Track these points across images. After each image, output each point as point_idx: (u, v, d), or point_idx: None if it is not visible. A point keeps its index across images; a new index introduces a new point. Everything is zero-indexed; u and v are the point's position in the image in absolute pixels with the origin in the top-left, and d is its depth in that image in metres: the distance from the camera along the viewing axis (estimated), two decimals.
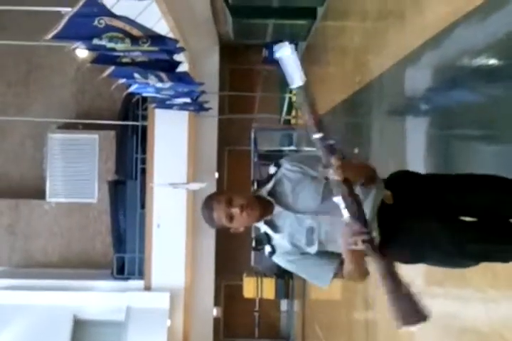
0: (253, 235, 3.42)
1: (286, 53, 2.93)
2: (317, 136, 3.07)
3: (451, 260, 3.44)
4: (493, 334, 5.08)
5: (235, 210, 3.28)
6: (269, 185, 3.41)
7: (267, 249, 3.39)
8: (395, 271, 3.10)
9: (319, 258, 3.40)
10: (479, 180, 3.50)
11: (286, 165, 3.41)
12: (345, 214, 3.07)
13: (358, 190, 3.22)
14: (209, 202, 3.39)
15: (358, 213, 3.09)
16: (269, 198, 3.39)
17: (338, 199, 3.11)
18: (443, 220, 3.33)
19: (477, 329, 5.47)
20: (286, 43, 2.94)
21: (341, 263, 3.38)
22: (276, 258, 3.46)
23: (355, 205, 3.08)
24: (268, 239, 3.44)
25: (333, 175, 3.03)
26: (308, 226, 3.32)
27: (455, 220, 3.40)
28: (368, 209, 3.29)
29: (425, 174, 3.70)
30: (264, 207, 3.37)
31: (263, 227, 3.43)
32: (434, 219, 3.32)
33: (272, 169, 3.45)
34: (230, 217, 3.31)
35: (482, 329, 5.35)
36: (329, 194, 3.26)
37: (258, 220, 3.40)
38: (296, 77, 2.99)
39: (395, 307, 3.07)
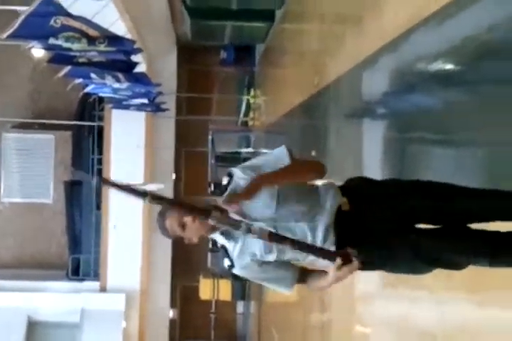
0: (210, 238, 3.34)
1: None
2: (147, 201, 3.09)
3: (407, 267, 3.47)
4: (447, 336, 5.13)
5: (188, 218, 3.25)
6: (225, 195, 3.39)
7: (226, 262, 3.37)
8: None
9: (278, 268, 3.41)
10: (436, 186, 3.52)
11: (237, 173, 3.39)
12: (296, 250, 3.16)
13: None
14: (162, 212, 3.35)
15: (308, 248, 3.16)
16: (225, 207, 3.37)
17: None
18: (399, 227, 3.36)
19: (431, 332, 5.51)
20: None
21: (304, 272, 3.41)
22: (237, 271, 3.46)
23: (300, 246, 3.15)
24: (226, 253, 3.42)
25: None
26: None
27: (411, 227, 3.42)
28: (325, 216, 3.32)
29: (381, 180, 3.71)
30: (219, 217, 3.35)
31: (219, 239, 3.41)
32: (390, 227, 3.34)
33: (225, 179, 3.43)
34: (183, 226, 3.27)
35: (435, 331, 5.40)
36: (284, 201, 3.29)
37: (212, 230, 3.34)
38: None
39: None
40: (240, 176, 3.36)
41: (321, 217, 3.31)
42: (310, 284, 3.41)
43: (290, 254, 3.34)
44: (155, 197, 3.05)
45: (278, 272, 3.42)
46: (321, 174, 3.39)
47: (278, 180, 3.29)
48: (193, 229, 3.28)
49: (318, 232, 3.31)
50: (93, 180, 17.35)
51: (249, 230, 3.08)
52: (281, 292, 3.54)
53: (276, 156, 3.40)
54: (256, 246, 3.31)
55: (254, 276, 3.50)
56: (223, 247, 3.43)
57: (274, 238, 3.10)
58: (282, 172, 3.29)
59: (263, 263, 3.39)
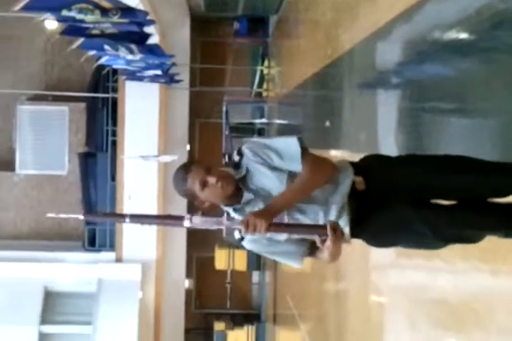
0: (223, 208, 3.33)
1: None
2: (187, 221, 3.11)
3: (422, 243, 3.46)
4: (462, 305, 5.15)
5: (212, 178, 3.23)
6: (242, 173, 3.37)
7: (237, 235, 3.36)
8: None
9: (288, 243, 3.40)
10: (449, 161, 3.49)
11: (248, 154, 3.36)
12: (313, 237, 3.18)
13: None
14: (188, 165, 3.34)
15: (308, 229, 3.18)
16: (239, 184, 3.37)
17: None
18: (416, 204, 3.33)
19: (446, 301, 5.53)
20: None
21: (312, 246, 3.41)
22: (246, 245, 3.46)
23: (299, 229, 3.20)
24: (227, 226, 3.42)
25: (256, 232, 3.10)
26: None
27: (427, 204, 3.40)
28: (338, 197, 3.32)
29: (395, 156, 3.67)
30: (236, 188, 3.35)
31: (232, 213, 3.40)
32: (406, 204, 3.32)
33: (236, 157, 3.40)
34: (204, 184, 3.24)
35: (451, 300, 5.42)
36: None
37: (229, 199, 3.35)
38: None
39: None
40: (250, 158, 3.35)
41: (335, 198, 3.31)
42: (317, 257, 3.41)
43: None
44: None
45: (288, 246, 3.43)
46: (333, 172, 3.37)
47: (298, 195, 3.27)
48: (212, 191, 3.27)
49: (332, 213, 3.32)
50: (107, 151, 17.40)
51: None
52: (291, 266, 3.56)
53: (287, 149, 3.36)
54: None
55: (263, 250, 3.51)
56: None
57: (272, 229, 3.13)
58: (296, 190, 3.27)
59: (274, 240, 3.39)
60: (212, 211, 3.42)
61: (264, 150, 3.37)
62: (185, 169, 3.30)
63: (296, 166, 3.32)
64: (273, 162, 3.33)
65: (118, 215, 3.10)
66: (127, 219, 3.09)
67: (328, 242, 3.07)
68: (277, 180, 3.30)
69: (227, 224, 3.12)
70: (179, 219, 3.11)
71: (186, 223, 3.09)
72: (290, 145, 3.36)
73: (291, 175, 3.31)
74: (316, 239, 3.11)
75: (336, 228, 3.07)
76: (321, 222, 3.27)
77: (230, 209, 3.40)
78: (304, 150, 3.36)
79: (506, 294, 4.49)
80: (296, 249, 3.42)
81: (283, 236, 3.34)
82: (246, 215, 3.12)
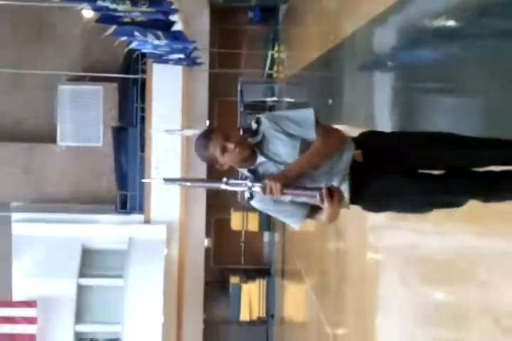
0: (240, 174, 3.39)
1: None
2: (223, 184, 3.20)
3: (413, 207, 3.47)
4: (448, 262, 5.13)
5: (231, 145, 3.23)
6: (258, 138, 3.36)
7: (246, 194, 3.35)
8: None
9: (291, 205, 3.39)
10: (437, 136, 3.49)
11: (265, 122, 3.36)
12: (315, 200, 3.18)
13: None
14: (208, 132, 3.33)
15: (311, 190, 3.15)
16: (255, 148, 3.36)
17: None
18: (408, 173, 3.34)
19: (434, 259, 5.51)
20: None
21: (313, 208, 3.39)
22: (254, 204, 3.44)
23: (307, 191, 3.16)
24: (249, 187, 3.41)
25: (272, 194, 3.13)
26: None
27: (418, 173, 3.40)
28: (342, 167, 3.30)
29: (390, 132, 3.67)
30: (252, 152, 3.33)
31: (247, 174, 3.40)
32: (399, 173, 3.32)
33: (254, 125, 3.40)
34: (224, 150, 3.24)
35: (438, 258, 5.40)
36: (306, 149, 3.26)
37: (245, 162, 3.35)
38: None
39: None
40: (267, 125, 3.35)
41: (338, 168, 3.31)
42: (316, 218, 3.40)
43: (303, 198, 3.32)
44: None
45: (290, 207, 3.41)
46: (344, 142, 3.37)
47: (312, 161, 3.28)
48: (231, 156, 3.27)
49: (334, 181, 3.31)
50: (137, 126, 17.41)
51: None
52: (290, 225, 3.55)
53: (303, 118, 3.35)
54: None
55: (267, 208, 3.48)
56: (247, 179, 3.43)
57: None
58: (310, 157, 3.27)
59: (278, 201, 3.37)
60: (230, 172, 3.44)
61: (281, 119, 3.38)
62: (206, 137, 3.29)
63: (311, 133, 3.32)
64: (289, 128, 3.33)
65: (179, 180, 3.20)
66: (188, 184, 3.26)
67: (326, 203, 3.05)
68: (291, 146, 3.30)
69: (250, 186, 3.20)
70: (218, 182, 3.21)
71: (223, 186, 3.20)
72: (306, 114, 3.36)
73: (304, 143, 3.29)
74: (318, 199, 3.09)
75: (333, 191, 3.08)
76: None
77: (244, 171, 3.40)
78: (318, 121, 3.36)
79: (486, 252, 4.47)
80: (297, 211, 3.40)
81: (287, 198, 3.32)
82: (264, 180, 3.15)
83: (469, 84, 4.90)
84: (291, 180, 3.17)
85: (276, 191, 3.08)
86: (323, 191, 3.05)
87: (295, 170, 3.21)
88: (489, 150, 3.35)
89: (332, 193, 3.06)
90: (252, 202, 3.41)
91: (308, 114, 3.35)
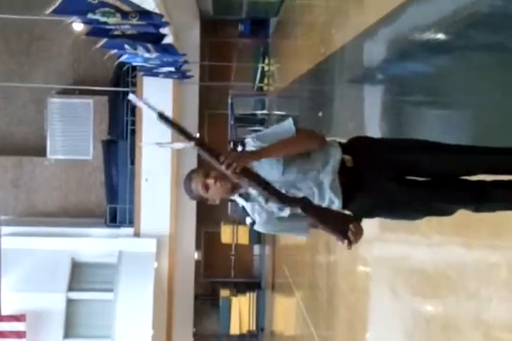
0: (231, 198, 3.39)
1: (135, 101, 3.19)
2: (191, 144, 3.06)
3: (401, 214, 3.49)
4: (438, 273, 5.15)
5: (210, 181, 3.28)
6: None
7: (248, 220, 3.39)
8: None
9: (293, 220, 3.40)
10: (426, 144, 3.51)
11: (251, 143, 3.39)
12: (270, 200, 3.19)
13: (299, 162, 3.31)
14: (189, 174, 3.40)
15: (273, 192, 3.13)
16: None
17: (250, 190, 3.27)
18: (397, 180, 3.34)
19: (424, 271, 5.53)
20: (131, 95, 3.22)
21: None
22: (259, 228, 3.49)
23: (267, 188, 3.13)
24: (246, 212, 3.46)
25: (227, 171, 3.04)
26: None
27: (407, 180, 3.41)
28: (328, 173, 3.32)
29: (380, 138, 3.70)
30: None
31: (239, 200, 3.45)
32: (388, 180, 3.33)
33: (239, 148, 3.45)
34: (206, 187, 3.30)
35: (428, 269, 5.42)
36: (290, 165, 3.29)
37: (232, 192, 3.39)
38: (153, 112, 3.19)
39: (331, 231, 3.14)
40: (251, 145, 3.37)
41: (325, 174, 3.31)
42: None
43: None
44: (199, 142, 3.05)
45: (293, 223, 3.43)
46: (320, 141, 3.39)
47: (285, 148, 3.28)
48: (214, 190, 3.31)
49: (325, 186, 3.32)
50: (127, 139, 17.41)
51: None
52: (298, 239, 3.59)
53: (284, 128, 3.39)
54: (271, 204, 3.33)
55: (274, 229, 3.54)
56: (243, 208, 3.46)
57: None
58: (287, 141, 3.28)
59: (280, 218, 3.40)
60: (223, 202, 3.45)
61: (265, 136, 3.40)
62: (188, 179, 3.38)
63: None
64: (271, 140, 3.34)
65: (188, 134, 3.13)
66: (192, 143, 3.07)
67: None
68: (276, 163, 3.30)
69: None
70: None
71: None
72: (286, 124, 3.40)
73: (287, 160, 3.30)
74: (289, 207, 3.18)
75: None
76: (315, 197, 3.30)
77: (236, 197, 3.44)
78: (297, 128, 3.39)
79: (476, 264, 4.49)
80: (300, 225, 3.43)
81: (286, 213, 3.34)
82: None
83: (458, 96, 4.94)
84: (254, 160, 3.15)
85: (235, 167, 3.01)
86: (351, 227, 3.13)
87: (262, 153, 3.20)
88: (477, 158, 3.39)
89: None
90: (256, 227, 3.48)
91: (287, 123, 3.40)
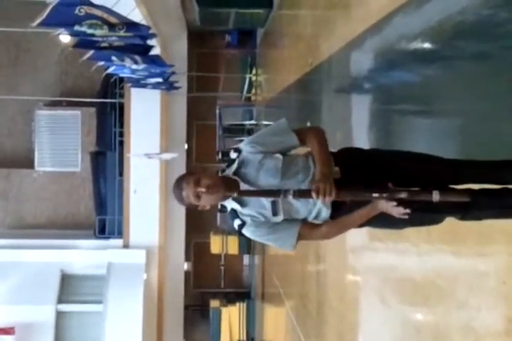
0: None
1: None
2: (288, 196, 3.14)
3: (391, 224, 3.47)
4: (427, 282, 5.16)
5: (201, 189, 3.21)
6: (234, 167, 3.36)
7: (237, 222, 3.35)
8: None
9: (283, 229, 3.37)
10: (413, 155, 3.52)
11: (245, 148, 3.36)
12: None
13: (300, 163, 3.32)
14: (179, 182, 3.31)
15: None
16: (234, 177, 3.35)
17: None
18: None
19: (413, 280, 5.54)
20: None
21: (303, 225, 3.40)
22: (246, 232, 3.44)
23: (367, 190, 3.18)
24: (236, 215, 3.40)
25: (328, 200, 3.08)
26: (272, 200, 3.30)
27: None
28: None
29: (368, 149, 3.69)
30: (229, 187, 3.28)
31: (231, 204, 3.38)
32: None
33: (233, 154, 3.40)
34: (198, 196, 3.24)
35: (417, 278, 5.43)
36: (288, 170, 3.28)
37: (224, 199, 3.34)
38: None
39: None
40: (248, 150, 3.35)
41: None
42: (312, 235, 3.43)
43: (294, 215, 3.33)
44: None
45: (282, 233, 3.39)
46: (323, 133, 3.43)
47: (326, 149, 3.33)
48: (206, 198, 3.26)
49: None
50: (115, 150, 17.40)
51: None
52: (284, 250, 3.55)
53: (279, 128, 3.41)
54: (265, 209, 3.31)
55: (260, 236, 3.46)
56: (233, 210, 3.41)
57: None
58: (321, 151, 3.31)
59: (273, 225, 3.37)
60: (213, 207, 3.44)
61: (259, 138, 3.41)
62: (178, 187, 3.29)
63: (290, 137, 3.38)
64: (269, 144, 3.35)
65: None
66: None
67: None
68: (273, 168, 3.29)
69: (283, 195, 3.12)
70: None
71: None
72: (280, 124, 3.43)
73: (285, 163, 3.31)
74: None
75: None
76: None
77: (229, 201, 3.39)
78: (298, 129, 3.43)
79: (465, 272, 4.50)
80: (290, 232, 3.39)
81: (280, 218, 3.33)
82: (311, 185, 3.10)
83: (445, 106, 4.96)
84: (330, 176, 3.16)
85: (331, 191, 3.02)
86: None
87: (325, 166, 3.22)
88: (464, 169, 3.40)
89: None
90: (244, 230, 3.42)
91: (281, 123, 3.42)
